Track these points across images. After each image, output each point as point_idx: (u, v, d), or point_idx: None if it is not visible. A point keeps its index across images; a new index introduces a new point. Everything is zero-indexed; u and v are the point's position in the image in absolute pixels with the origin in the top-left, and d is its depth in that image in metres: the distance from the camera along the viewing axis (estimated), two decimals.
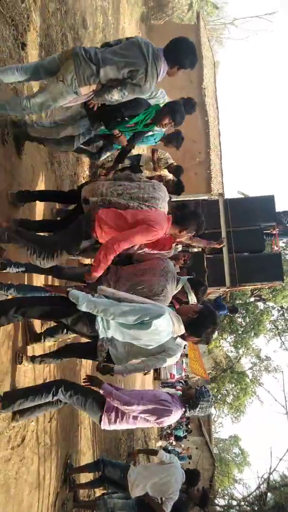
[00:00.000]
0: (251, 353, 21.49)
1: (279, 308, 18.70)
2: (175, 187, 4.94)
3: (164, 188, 3.13)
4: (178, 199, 8.60)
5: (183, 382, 15.12)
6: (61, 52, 2.81)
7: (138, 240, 2.66)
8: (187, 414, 3.27)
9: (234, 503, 7.18)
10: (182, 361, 14.63)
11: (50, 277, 3.62)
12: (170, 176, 5.35)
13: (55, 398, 2.89)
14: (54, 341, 3.36)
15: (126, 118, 3.32)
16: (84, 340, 2.88)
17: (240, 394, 21.07)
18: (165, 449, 13.83)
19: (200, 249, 7.96)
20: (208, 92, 13.51)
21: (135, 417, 2.88)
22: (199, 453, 15.03)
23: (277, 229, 8.52)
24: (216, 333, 20.23)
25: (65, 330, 3.12)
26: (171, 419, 2.98)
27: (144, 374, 4.20)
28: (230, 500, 8.41)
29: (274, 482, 6.72)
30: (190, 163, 11.44)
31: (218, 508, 7.32)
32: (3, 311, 2.43)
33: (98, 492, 4.56)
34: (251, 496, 6.77)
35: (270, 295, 16.55)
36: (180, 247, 4.82)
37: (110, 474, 3.94)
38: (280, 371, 20.91)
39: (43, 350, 3.40)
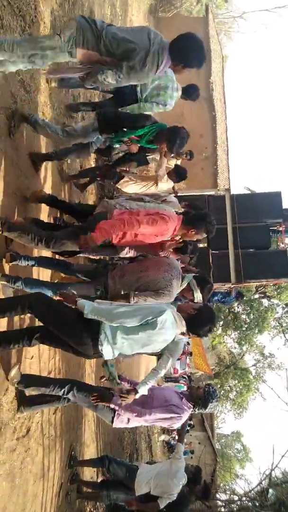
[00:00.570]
0: (255, 350, 21.48)
1: (284, 306, 18.63)
2: (175, 172, 4.82)
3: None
4: (184, 194, 8.57)
5: (186, 377, 15.16)
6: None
7: (147, 228, 2.67)
8: (196, 412, 3.33)
9: (236, 498, 7.21)
10: (186, 356, 14.67)
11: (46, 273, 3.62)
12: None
13: (66, 396, 2.95)
14: None
15: (130, 129, 3.44)
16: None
17: (243, 391, 21.11)
18: (168, 443, 13.91)
19: (205, 244, 7.93)
20: (216, 86, 13.39)
21: (146, 419, 2.97)
22: (201, 448, 15.10)
23: (284, 226, 8.46)
24: (220, 329, 20.22)
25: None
26: (181, 422, 3.15)
27: None
28: (231, 495, 8.45)
29: (276, 478, 6.74)
30: (197, 158, 11.33)
31: (219, 503, 7.35)
32: (12, 307, 2.46)
33: (101, 477, 4.59)
34: (252, 491, 6.79)
35: (275, 292, 16.49)
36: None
37: (115, 471, 3.94)
38: (283, 368, 20.91)
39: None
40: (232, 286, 8.40)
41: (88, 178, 4.68)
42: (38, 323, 2.65)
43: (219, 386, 20.86)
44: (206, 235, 3.00)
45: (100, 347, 2.37)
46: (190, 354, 14.67)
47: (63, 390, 2.90)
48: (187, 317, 2.65)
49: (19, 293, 2.92)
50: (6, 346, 2.47)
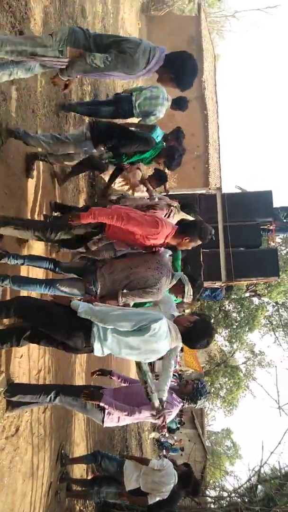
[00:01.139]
0: (245, 347, 21.65)
1: (274, 304, 18.81)
2: (156, 177, 4.83)
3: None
4: (176, 193, 8.59)
5: (177, 375, 15.22)
6: None
7: (136, 227, 2.70)
8: (186, 406, 3.35)
9: (225, 494, 7.27)
10: (177, 354, 14.75)
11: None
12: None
13: (53, 403, 2.95)
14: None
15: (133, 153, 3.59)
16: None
17: (233, 388, 21.26)
18: (158, 441, 13.96)
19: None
20: (207, 85, 13.42)
21: (136, 417, 2.98)
22: (191, 445, 15.20)
23: (274, 225, 8.54)
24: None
25: None
26: (170, 418, 3.15)
27: None
28: (221, 492, 8.51)
29: (265, 474, 6.80)
30: (189, 157, 11.39)
31: (209, 499, 7.40)
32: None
33: (91, 475, 4.60)
34: (242, 488, 6.84)
35: (266, 291, 16.63)
36: None
37: (106, 466, 3.97)
38: (273, 366, 21.12)
39: None
40: (223, 284, 8.45)
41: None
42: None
43: (209, 383, 20.97)
44: (201, 242, 3.02)
45: (92, 339, 2.36)
46: (181, 350, 14.73)
47: (49, 397, 2.89)
48: (183, 330, 2.65)
49: (7, 292, 2.91)
50: None
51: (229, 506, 6.06)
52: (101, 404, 2.86)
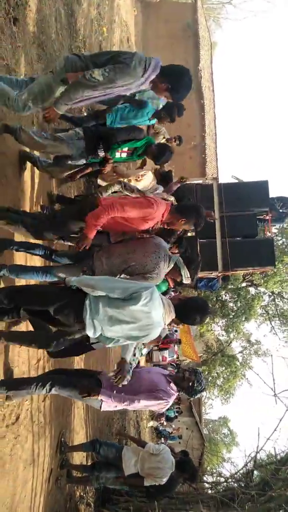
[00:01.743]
0: (242, 337, 21.84)
1: (270, 294, 18.92)
2: (162, 177, 4.85)
3: None
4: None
5: (175, 364, 15.35)
6: None
7: (133, 211, 2.70)
8: (181, 395, 3.39)
9: (222, 480, 7.40)
10: (174, 344, 14.83)
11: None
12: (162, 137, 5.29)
13: (48, 394, 2.98)
14: None
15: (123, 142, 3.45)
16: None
17: (230, 377, 21.49)
18: (156, 429, 14.14)
19: (193, 233, 7.97)
20: (204, 74, 13.29)
21: (134, 406, 3.02)
22: (189, 433, 15.41)
23: (270, 215, 8.53)
24: (208, 317, 20.50)
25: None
26: (167, 407, 3.20)
27: None
28: (218, 478, 8.67)
29: (261, 460, 6.92)
30: (185, 147, 11.33)
31: (206, 485, 7.55)
32: None
33: (90, 462, 4.68)
34: (238, 473, 6.97)
35: (262, 281, 16.71)
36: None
37: (105, 453, 4.03)
38: (269, 355, 21.34)
39: None
40: (220, 274, 8.48)
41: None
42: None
43: (206, 373, 21.21)
44: (193, 227, 3.02)
45: (84, 313, 2.31)
46: (179, 342, 14.82)
47: (45, 389, 2.91)
48: (176, 303, 2.63)
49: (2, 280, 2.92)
50: None
51: (226, 491, 6.17)
52: (99, 397, 2.89)
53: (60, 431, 4.03)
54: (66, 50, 4.82)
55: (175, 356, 15.28)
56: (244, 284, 17.96)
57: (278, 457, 6.46)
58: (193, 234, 7.70)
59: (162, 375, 3.31)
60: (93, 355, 5.42)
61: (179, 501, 5.43)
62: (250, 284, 18.00)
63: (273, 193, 8.62)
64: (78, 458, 4.55)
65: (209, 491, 6.86)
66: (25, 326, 3.13)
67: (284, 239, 17.46)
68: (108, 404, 3.03)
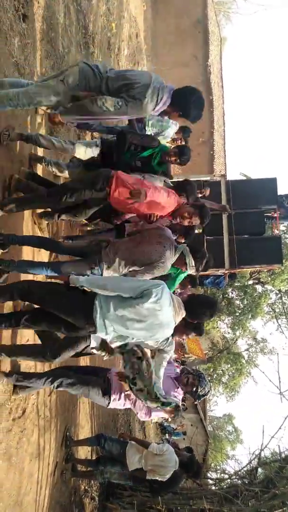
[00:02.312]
0: (248, 335, 21.79)
1: (277, 292, 18.83)
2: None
3: None
4: (180, 180, 8.50)
5: (180, 361, 15.39)
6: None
7: (155, 194, 2.80)
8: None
9: (226, 477, 7.44)
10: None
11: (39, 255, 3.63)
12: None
13: (56, 389, 3.01)
14: None
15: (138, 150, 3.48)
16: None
17: (236, 374, 21.48)
18: (161, 425, 14.21)
19: (200, 230, 7.96)
20: (213, 69, 13.19)
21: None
22: (193, 430, 15.46)
23: (278, 212, 8.46)
24: (217, 313, 20.53)
25: None
26: (179, 398, 3.23)
27: None
28: (222, 474, 8.71)
29: (265, 458, 6.94)
30: (193, 143, 11.25)
31: (210, 481, 7.58)
32: (4, 292, 2.49)
33: (95, 456, 4.72)
34: (242, 470, 6.99)
35: (269, 278, 16.63)
36: None
37: (110, 448, 4.06)
38: (275, 353, 21.27)
39: None
40: (226, 271, 8.45)
41: None
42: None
43: (212, 370, 21.23)
44: (200, 223, 3.10)
45: (94, 314, 2.29)
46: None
47: (53, 385, 2.97)
48: (185, 300, 2.62)
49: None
50: None
51: (229, 487, 6.20)
52: (112, 397, 2.94)
53: (65, 425, 4.08)
54: (74, 46, 4.82)
55: (175, 355, 15.31)
56: (251, 282, 17.88)
57: (283, 455, 6.47)
58: (200, 230, 7.69)
59: (170, 379, 3.32)
60: None
61: (182, 496, 5.46)
62: (257, 282, 17.91)
63: (281, 190, 8.55)
64: (83, 452, 4.60)
65: (213, 488, 6.89)
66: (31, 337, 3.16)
67: None
68: (116, 403, 3.06)
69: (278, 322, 20.17)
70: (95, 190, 2.81)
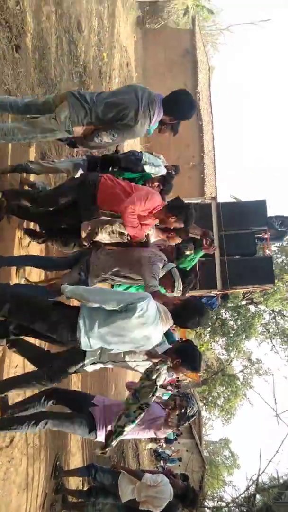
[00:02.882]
0: (242, 356, 21.60)
1: (271, 312, 18.84)
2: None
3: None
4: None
5: (174, 384, 15.13)
6: (55, 95, 2.80)
7: (142, 204, 2.77)
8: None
9: (223, 505, 7.21)
10: None
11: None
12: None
13: (42, 429, 2.91)
14: None
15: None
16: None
17: (231, 397, 21.16)
18: (155, 451, 13.81)
19: (192, 251, 8.01)
20: (202, 96, 13.61)
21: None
22: (189, 456, 15.05)
23: (269, 233, 8.61)
24: (208, 335, 20.25)
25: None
26: (165, 435, 3.13)
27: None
28: (219, 502, 8.44)
29: (263, 483, 6.77)
30: (184, 167, 11.50)
31: (207, 510, 7.34)
32: None
33: (87, 486, 4.56)
34: (240, 497, 6.80)
35: (262, 298, 16.67)
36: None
37: (101, 479, 3.93)
38: (270, 374, 21.06)
39: None
40: (219, 292, 8.48)
41: None
42: None
43: (207, 393, 20.90)
44: (184, 225, 3.03)
45: (78, 333, 2.26)
46: None
47: (38, 427, 2.83)
48: (172, 308, 2.55)
49: None
50: None
51: None
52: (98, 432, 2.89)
53: (56, 454, 3.95)
54: (66, 75, 4.97)
55: (174, 376, 15.05)
56: (244, 302, 17.90)
57: (281, 480, 6.33)
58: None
59: (160, 410, 3.26)
60: (91, 374, 5.37)
61: None
62: (250, 302, 17.94)
63: (271, 212, 8.73)
64: (74, 482, 4.44)
65: None
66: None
67: (284, 257, 17.51)
68: (104, 436, 2.98)
69: (272, 342, 20.09)
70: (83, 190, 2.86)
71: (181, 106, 2.77)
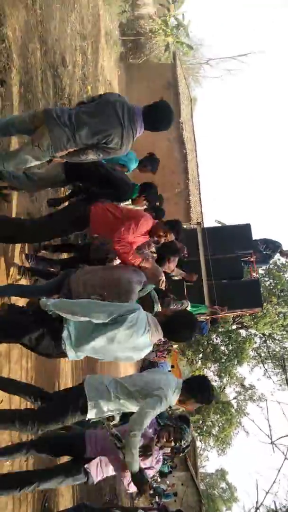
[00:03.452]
0: (235, 382, 21.26)
1: (261, 336, 18.74)
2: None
3: None
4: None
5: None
6: (31, 114, 2.74)
7: (134, 231, 2.94)
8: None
9: None
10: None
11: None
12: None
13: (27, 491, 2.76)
14: None
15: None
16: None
17: (226, 425, 20.63)
18: (151, 486, 13.21)
19: (180, 277, 8.02)
20: (185, 126, 14.07)
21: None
22: (184, 489, 14.44)
23: (255, 257, 8.70)
24: (200, 362, 19.93)
25: None
26: (159, 466, 3.04)
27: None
28: None
29: None
30: (170, 194, 11.72)
31: None
32: None
33: None
34: None
35: (252, 322, 16.61)
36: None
37: None
38: (264, 399, 20.71)
39: None
40: (208, 317, 8.43)
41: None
42: None
43: (200, 422, 20.35)
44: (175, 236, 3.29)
45: (63, 346, 2.18)
46: None
47: (29, 489, 2.71)
48: (163, 321, 2.48)
49: None
50: None
51: None
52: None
53: (44, 494, 3.74)
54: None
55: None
56: (234, 327, 17.81)
57: None
58: (180, 277, 7.76)
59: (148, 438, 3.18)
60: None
61: None
62: (240, 326, 17.85)
63: (256, 235, 8.86)
64: None
65: None
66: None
67: (271, 280, 17.64)
68: (95, 477, 2.88)
69: (264, 367, 19.87)
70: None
71: (158, 122, 2.83)
